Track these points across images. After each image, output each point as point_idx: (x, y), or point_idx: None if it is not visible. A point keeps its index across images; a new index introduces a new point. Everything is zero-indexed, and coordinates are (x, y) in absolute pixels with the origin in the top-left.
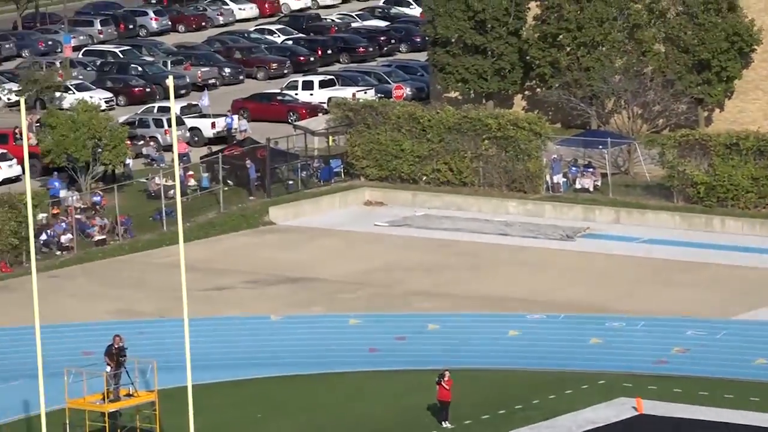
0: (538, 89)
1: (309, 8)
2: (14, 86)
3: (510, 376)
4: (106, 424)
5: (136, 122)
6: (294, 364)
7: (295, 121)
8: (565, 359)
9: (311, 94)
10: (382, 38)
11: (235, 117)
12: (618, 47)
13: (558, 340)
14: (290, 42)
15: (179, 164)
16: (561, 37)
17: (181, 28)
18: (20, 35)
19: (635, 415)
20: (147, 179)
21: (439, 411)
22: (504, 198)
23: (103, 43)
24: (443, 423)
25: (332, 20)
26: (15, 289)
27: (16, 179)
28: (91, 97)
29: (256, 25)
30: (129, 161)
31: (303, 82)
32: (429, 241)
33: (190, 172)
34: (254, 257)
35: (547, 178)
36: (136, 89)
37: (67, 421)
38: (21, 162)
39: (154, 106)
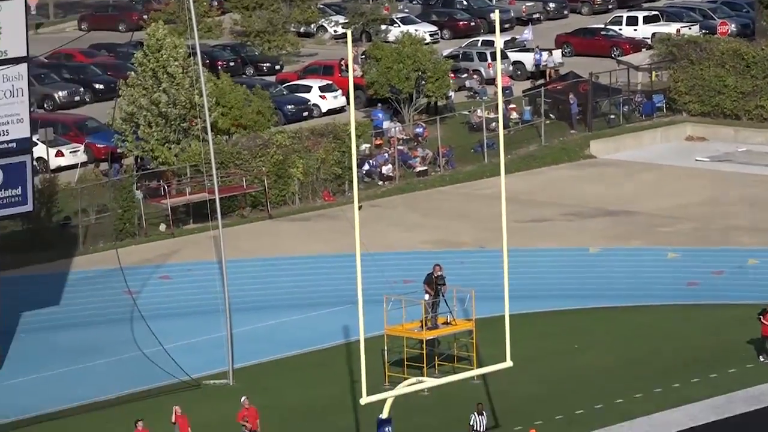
0: None
1: None
2: (341, 19)
3: None
4: (424, 352)
5: (460, 55)
6: (611, 297)
7: (619, 56)
8: None
9: (635, 30)
10: None
11: (545, 53)
12: None
13: None
14: None
15: (501, 97)
16: None
17: None
18: None
19: None
20: (469, 112)
21: (761, 345)
22: None
23: None
24: (761, 357)
25: None
26: (337, 218)
27: (341, 110)
28: (416, 30)
29: None
30: (451, 94)
31: (627, 17)
32: (750, 177)
33: (512, 106)
34: (574, 190)
35: None
36: (461, 23)
37: (386, 348)
38: (346, 93)
39: (478, 40)
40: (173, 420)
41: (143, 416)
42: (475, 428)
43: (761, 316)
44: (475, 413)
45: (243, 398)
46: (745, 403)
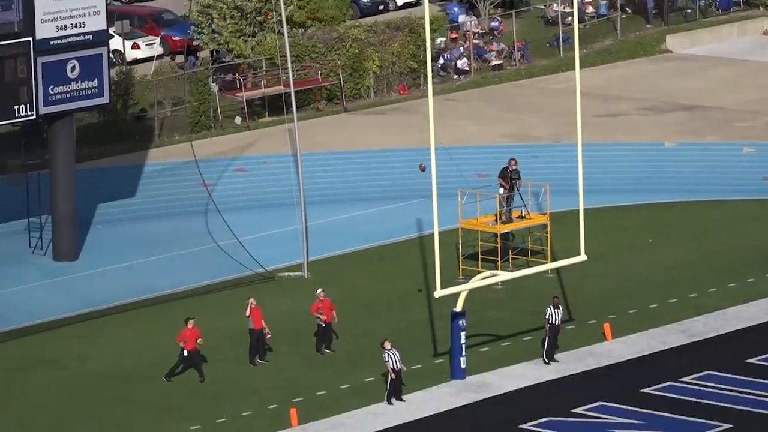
0: None
1: None
2: None
3: None
4: (498, 245)
5: None
6: (686, 191)
7: None
8: None
9: None
10: None
11: None
12: None
13: None
14: None
15: None
16: None
17: None
18: None
19: None
20: (545, 6)
21: None
22: None
23: None
24: None
25: None
26: (412, 112)
27: (416, 3)
28: None
29: None
30: None
31: None
32: None
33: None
34: (649, 84)
35: None
36: None
37: (460, 241)
38: None
39: None
40: (247, 313)
41: (217, 309)
42: (550, 322)
43: None
44: (551, 307)
45: (318, 290)
46: None
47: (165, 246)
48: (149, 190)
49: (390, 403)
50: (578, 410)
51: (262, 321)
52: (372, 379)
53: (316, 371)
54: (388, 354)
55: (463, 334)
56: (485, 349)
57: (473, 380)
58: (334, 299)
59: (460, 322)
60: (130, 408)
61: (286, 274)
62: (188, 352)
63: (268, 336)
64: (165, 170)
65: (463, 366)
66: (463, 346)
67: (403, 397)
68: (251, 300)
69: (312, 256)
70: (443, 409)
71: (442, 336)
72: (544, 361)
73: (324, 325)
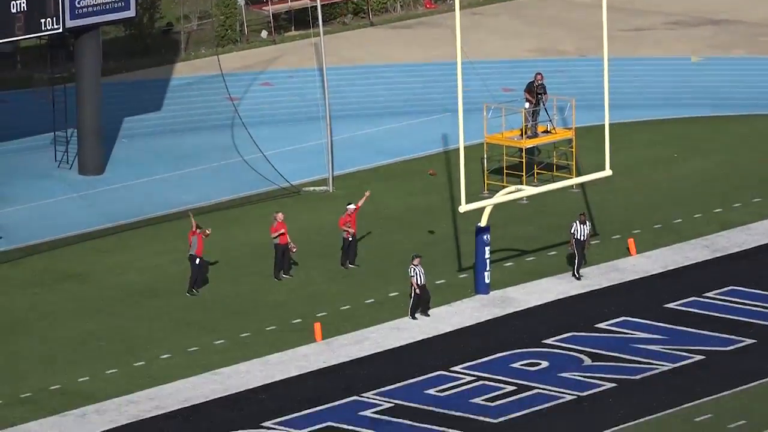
0: None
1: None
2: None
3: None
4: (523, 160)
5: None
6: (712, 106)
7: None
8: None
9: None
10: None
11: None
12: None
13: None
14: None
15: None
16: None
17: None
18: None
19: None
20: None
21: None
22: None
23: None
24: None
25: None
26: (438, 26)
27: None
28: None
29: None
30: None
31: None
32: None
33: None
34: None
35: None
36: None
37: (485, 156)
38: None
39: None
40: (274, 227)
41: (242, 223)
42: (575, 237)
43: None
44: (577, 222)
45: (349, 205)
46: None
47: (191, 160)
48: (175, 104)
49: (414, 317)
50: (602, 325)
51: (287, 236)
52: (396, 293)
53: (340, 286)
54: (414, 269)
55: (487, 248)
56: (509, 264)
57: (497, 295)
58: (359, 213)
59: (485, 236)
60: (155, 322)
61: (312, 188)
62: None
63: (293, 250)
64: (191, 84)
65: (487, 281)
66: (488, 261)
67: (429, 312)
68: (278, 215)
69: (337, 170)
70: (466, 324)
71: (466, 251)
72: (575, 276)
73: (351, 239)
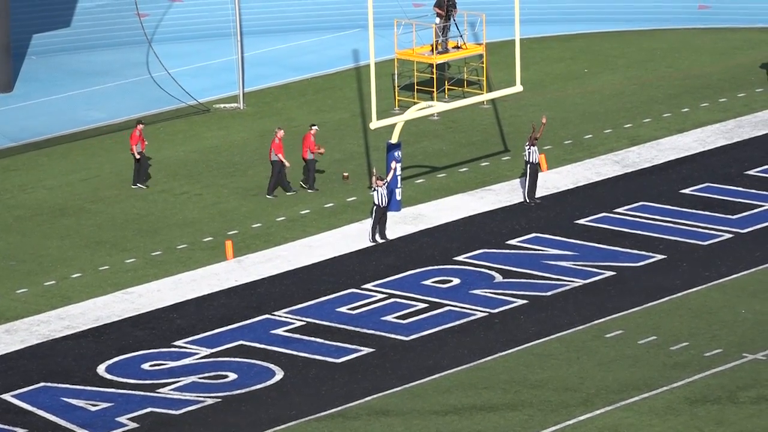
0: None
1: None
2: None
3: None
4: (434, 76)
5: None
6: (622, 21)
7: None
8: None
9: None
10: None
11: None
12: None
13: None
14: None
15: None
16: None
17: None
18: None
19: None
20: None
21: None
22: None
23: None
24: None
25: None
26: None
27: None
28: None
29: None
30: None
31: None
32: None
33: None
34: None
35: None
36: None
37: (396, 72)
38: None
39: None
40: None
41: (152, 140)
42: (528, 160)
43: None
44: (527, 145)
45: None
46: (754, 127)
47: (101, 77)
48: (85, 20)
49: (374, 240)
50: (513, 242)
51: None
52: (307, 211)
53: (250, 204)
54: (376, 190)
55: (398, 165)
56: (420, 180)
57: (408, 212)
58: (270, 130)
59: (396, 153)
60: (65, 241)
61: (222, 105)
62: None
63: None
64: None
65: (398, 198)
66: (399, 177)
67: (343, 230)
68: (279, 132)
69: (248, 87)
70: (379, 241)
71: (378, 167)
72: (525, 201)
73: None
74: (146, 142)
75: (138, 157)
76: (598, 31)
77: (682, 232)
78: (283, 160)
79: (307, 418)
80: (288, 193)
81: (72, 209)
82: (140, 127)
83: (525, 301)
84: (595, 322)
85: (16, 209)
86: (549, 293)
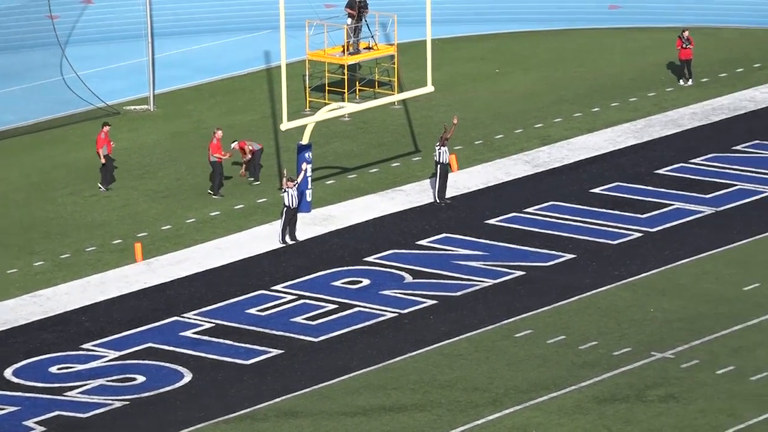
0: None
1: None
2: None
3: (751, 35)
4: (345, 77)
5: None
6: (532, 20)
7: None
8: None
9: None
10: None
11: None
12: None
13: None
14: None
15: None
16: None
17: None
18: None
19: None
20: None
21: (679, 68)
22: None
23: None
24: (680, 80)
25: None
26: None
27: None
28: None
29: None
30: None
31: None
32: None
33: None
34: None
35: None
36: None
37: (307, 73)
38: None
39: None
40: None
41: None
42: (439, 161)
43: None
44: (438, 145)
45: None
46: (664, 126)
47: (10, 79)
48: None
49: (284, 242)
50: (423, 242)
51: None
52: (217, 213)
53: (160, 206)
54: (287, 192)
55: (309, 166)
56: (331, 182)
57: (319, 213)
58: (180, 132)
59: (307, 154)
60: None
61: (132, 107)
62: None
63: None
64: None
65: (309, 199)
66: (309, 179)
67: (253, 231)
68: (218, 132)
69: (159, 88)
70: (289, 243)
71: (288, 168)
72: (436, 201)
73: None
74: (113, 144)
75: (104, 160)
76: (509, 32)
77: (591, 231)
78: (222, 159)
79: (215, 420)
80: (215, 197)
81: None
82: (106, 129)
83: (435, 302)
84: (505, 322)
85: None
86: (459, 293)
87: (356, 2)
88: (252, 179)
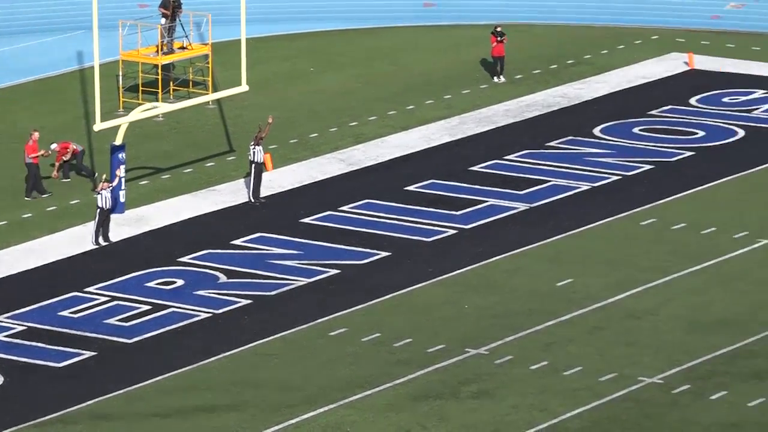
0: None
1: None
2: None
3: (563, 31)
4: (159, 77)
5: None
6: (345, 19)
7: None
8: (619, 14)
9: None
10: None
11: None
12: None
13: None
14: None
15: None
16: None
17: None
18: None
19: (687, 70)
20: None
21: (492, 66)
22: None
23: None
24: (494, 78)
25: None
26: None
27: None
28: None
29: None
30: None
31: None
32: None
33: None
34: None
35: None
36: None
37: (121, 73)
38: None
39: None
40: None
41: None
42: (254, 160)
43: (494, 33)
44: (252, 144)
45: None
46: (478, 123)
47: None
48: None
49: (98, 243)
50: (237, 242)
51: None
52: (30, 215)
53: None
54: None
55: (122, 167)
56: (145, 182)
57: (132, 214)
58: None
59: (120, 155)
60: None
61: None
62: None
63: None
64: None
65: (122, 200)
66: (123, 179)
67: (66, 233)
68: (35, 133)
69: None
70: (102, 244)
71: (103, 170)
72: (250, 201)
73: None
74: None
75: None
76: (323, 30)
77: (406, 229)
78: (38, 160)
79: (26, 424)
80: (43, 196)
81: None
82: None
83: (249, 301)
84: (319, 320)
85: None
86: (273, 292)
87: (170, 2)
88: (67, 179)
